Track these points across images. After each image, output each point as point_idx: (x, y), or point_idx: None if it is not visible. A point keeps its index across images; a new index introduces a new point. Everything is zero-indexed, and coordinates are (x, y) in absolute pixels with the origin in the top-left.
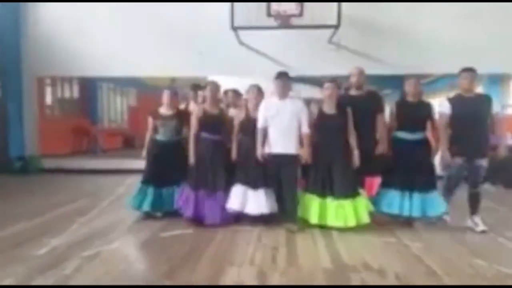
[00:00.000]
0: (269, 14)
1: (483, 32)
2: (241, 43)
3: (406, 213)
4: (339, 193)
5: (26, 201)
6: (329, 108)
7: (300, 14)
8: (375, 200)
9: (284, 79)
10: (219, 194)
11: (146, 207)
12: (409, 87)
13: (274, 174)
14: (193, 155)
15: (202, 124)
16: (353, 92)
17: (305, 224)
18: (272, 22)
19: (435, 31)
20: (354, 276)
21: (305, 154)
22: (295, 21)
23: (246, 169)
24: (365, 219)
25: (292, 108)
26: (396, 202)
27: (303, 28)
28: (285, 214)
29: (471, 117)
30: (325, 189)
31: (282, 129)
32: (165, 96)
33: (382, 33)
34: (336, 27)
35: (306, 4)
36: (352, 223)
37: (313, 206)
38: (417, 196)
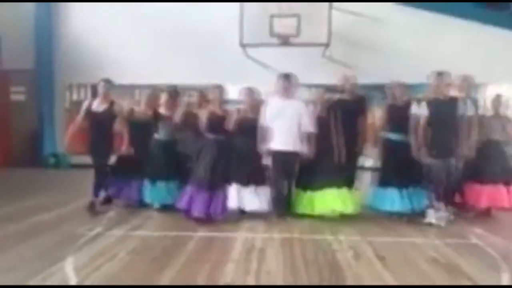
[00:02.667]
0: (272, 34)
1: (456, 45)
2: (248, 56)
3: (407, 210)
4: (324, 183)
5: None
6: (320, 111)
7: (297, 34)
8: (372, 199)
9: (287, 81)
10: (220, 192)
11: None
12: (397, 91)
13: (280, 169)
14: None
15: (208, 125)
16: (344, 96)
17: (295, 216)
18: (274, 40)
19: (412, 44)
20: None
21: (310, 152)
22: (293, 40)
23: (238, 167)
24: (350, 209)
25: (295, 108)
26: (397, 200)
27: (299, 46)
28: (279, 207)
29: (445, 119)
30: (313, 182)
31: (286, 128)
32: (163, 98)
33: (368, 48)
34: (327, 45)
35: (303, 26)
36: (339, 209)
37: (303, 199)
38: (411, 192)
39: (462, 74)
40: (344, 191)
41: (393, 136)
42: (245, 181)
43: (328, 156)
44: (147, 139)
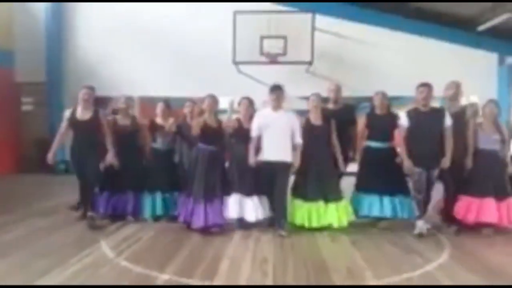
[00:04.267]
0: (261, 53)
1: (430, 61)
2: (239, 71)
3: (387, 214)
4: (328, 196)
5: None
6: (315, 119)
7: (284, 54)
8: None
9: (278, 92)
10: (217, 202)
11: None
12: (376, 100)
13: (267, 180)
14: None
15: (201, 135)
16: (330, 105)
17: (294, 228)
18: (263, 58)
19: (388, 60)
20: None
21: (296, 162)
22: (280, 58)
23: (240, 177)
24: (345, 222)
25: (285, 119)
26: (376, 205)
27: (286, 64)
28: (274, 220)
29: (426, 130)
30: (314, 194)
31: (276, 138)
32: (159, 108)
33: (348, 64)
34: (310, 63)
35: (289, 46)
36: (344, 223)
37: (304, 210)
38: (390, 199)
39: (452, 81)
40: (343, 203)
41: (372, 143)
42: (247, 191)
43: (326, 166)
44: (132, 150)
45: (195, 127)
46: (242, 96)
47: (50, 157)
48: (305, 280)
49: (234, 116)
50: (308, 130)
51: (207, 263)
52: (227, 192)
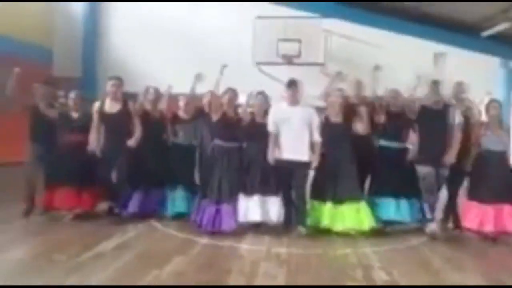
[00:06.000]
0: (278, 55)
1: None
2: (260, 70)
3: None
4: (350, 197)
5: None
6: (335, 116)
7: (299, 55)
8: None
9: (295, 87)
10: (230, 205)
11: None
12: (386, 97)
13: (284, 179)
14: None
15: (218, 130)
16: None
17: (315, 230)
18: (280, 59)
19: (395, 62)
20: None
21: (314, 161)
22: (295, 60)
23: (251, 176)
24: (366, 226)
25: (303, 115)
26: (392, 208)
27: (301, 65)
28: (291, 220)
29: (436, 128)
30: (334, 194)
31: (293, 135)
32: (181, 101)
33: (358, 65)
34: (323, 64)
35: (303, 49)
36: (365, 226)
37: (323, 212)
38: (407, 202)
39: (456, 81)
40: (362, 206)
41: (386, 143)
42: (250, 191)
43: (344, 165)
44: (158, 144)
45: (213, 120)
46: (257, 91)
47: (89, 149)
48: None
49: (249, 110)
50: (327, 127)
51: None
52: (248, 193)
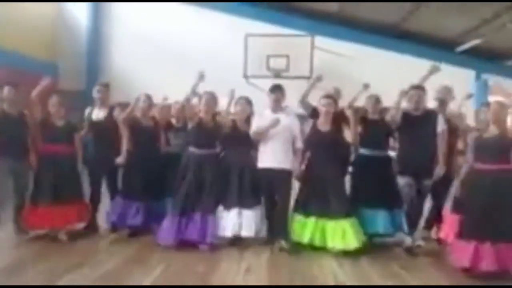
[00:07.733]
0: (267, 68)
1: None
2: (249, 83)
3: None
4: (336, 212)
5: None
6: (324, 125)
7: (287, 70)
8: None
9: (278, 93)
10: (211, 218)
11: None
12: (367, 104)
13: (266, 189)
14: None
15: (194, 137)
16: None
17: (298, 246)
18: (269, 73)
19: (378, 75)
20: None
21: (296, 169)
22: (283, 73)
23: (230, 186)
24: (353, 244)
25: (286, 121)
26: (381, 221)
27: (289, 78)
28: (274, 233)
29: (417, 136)
30: (321, 208)
31: (275, 142)
32: (173, 109)
33: (344, 78)
34: (309, 77)
35: (291, 63)
36: (353, 245)
37: (307, 226)
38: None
39: (443, 86)
40: (351, 223)
41: (366, 151)
42: (228, 204)
43: (332, 177)
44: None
45: (192, 118)
46: (239, 96)
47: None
48: None
49: (230, 117)
50: (314, 136)
51: None
52: (225, 205)
